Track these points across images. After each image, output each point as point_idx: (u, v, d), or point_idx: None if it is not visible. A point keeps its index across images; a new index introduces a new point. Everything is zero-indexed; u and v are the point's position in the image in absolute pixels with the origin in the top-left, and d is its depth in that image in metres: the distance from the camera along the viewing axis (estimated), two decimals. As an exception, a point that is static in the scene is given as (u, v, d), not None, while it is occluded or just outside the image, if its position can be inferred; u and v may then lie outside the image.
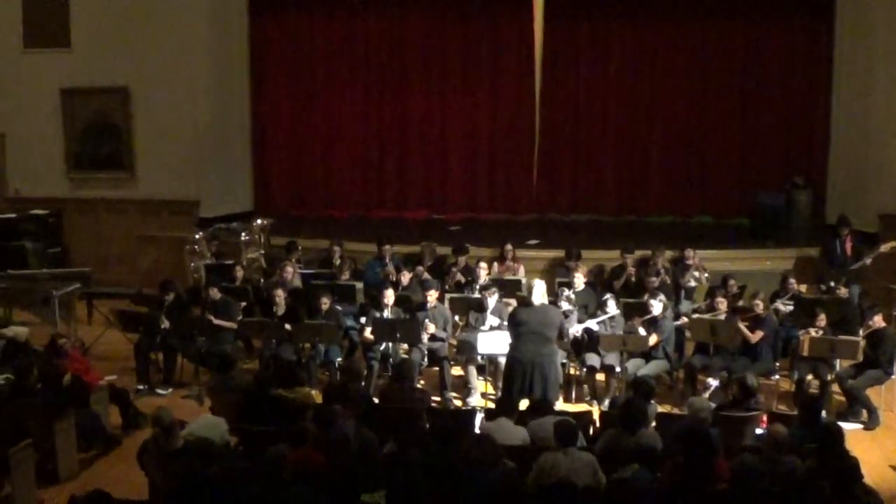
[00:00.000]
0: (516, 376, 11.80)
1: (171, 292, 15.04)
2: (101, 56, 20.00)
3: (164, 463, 9.14)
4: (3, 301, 16.02)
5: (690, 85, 21.02)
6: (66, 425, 11.23)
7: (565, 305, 13.90)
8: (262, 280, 16.99)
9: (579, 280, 15.17)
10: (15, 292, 16.01)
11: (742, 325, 13.28)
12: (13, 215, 20.14)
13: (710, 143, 21.10)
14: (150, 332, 14.57)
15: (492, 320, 13.83)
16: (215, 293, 14.99)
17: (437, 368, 13.88)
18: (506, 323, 12.60)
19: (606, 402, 12.97)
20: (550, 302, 13.66)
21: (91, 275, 17.86)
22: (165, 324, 14.55)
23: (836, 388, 13.02)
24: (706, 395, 12.47)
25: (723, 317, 13.56)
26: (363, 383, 12.74)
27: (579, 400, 13.67)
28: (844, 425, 10.42)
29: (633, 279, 16.03)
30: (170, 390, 14.31)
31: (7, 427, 10.47)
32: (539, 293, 12.00)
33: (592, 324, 13.75)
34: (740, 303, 14.63)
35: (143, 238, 19.89)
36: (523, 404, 10.99)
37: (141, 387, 14.24)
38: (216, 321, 14.45)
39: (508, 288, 15.30)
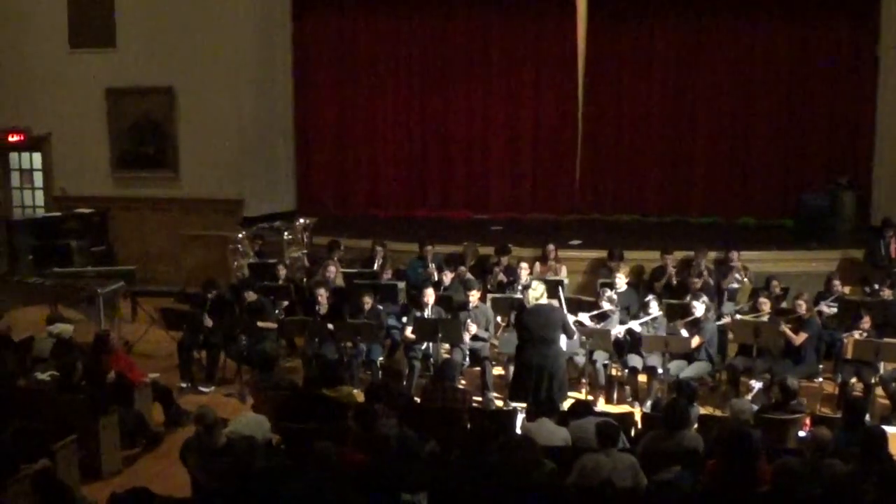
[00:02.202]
0: (523, 380, 11.86)
1: (214, 291, 15.12)
2: (146, 56, 20.15)
3: (207, 460, 9.19)
4: (49, 299, 16.13)
5: (734, 85, 20.88)
6: (110, 422, 11.32)
7: (607, 306, 13.88)
8: (304, 279, 17.03)
9: (621, 281, 15.13)
10: (60, 290, 16.11)
11: (785, 327, 13.20)
12: (59, 214, 20.34)
13: (753, 143, 20.96)
14: (193, 331, 14.65)
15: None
16: (251, 295, 15.04)
17: (478, 368, 13.89)
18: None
19: (648, 403, 12.93)
20: (590, 302, 13.70)
21: (135, 273, 18.00)
22: (208, 322, 14.63)
23: (880, 391, 12.90)
24: (749, 397, 12.40)
25: (766, 318, 13.49)
26: (405, 383, 12.77)
27: (621, 401, 13.63)
28: (888, 429, 10.31)
29: (675, 280, 15.96)
30: (212, 388, 14.39)
31: (52, 423, 10.55)
32: (536, 294, 12.02)
33: (635, 325, 13.71)
34: (784, 304, 14.55)
35: (186, 237, 19.98)
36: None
37: (184, 384, 14.32)
38: (260, 324, 14.49)
39: (551, 288, 15.27)
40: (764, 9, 20.49)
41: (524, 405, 11.74)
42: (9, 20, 20.80)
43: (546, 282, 14.06)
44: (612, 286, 14.78)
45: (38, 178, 21.87)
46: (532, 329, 11.89)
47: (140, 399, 12.24)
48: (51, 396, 11.56)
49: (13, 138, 21.33)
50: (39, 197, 21.95)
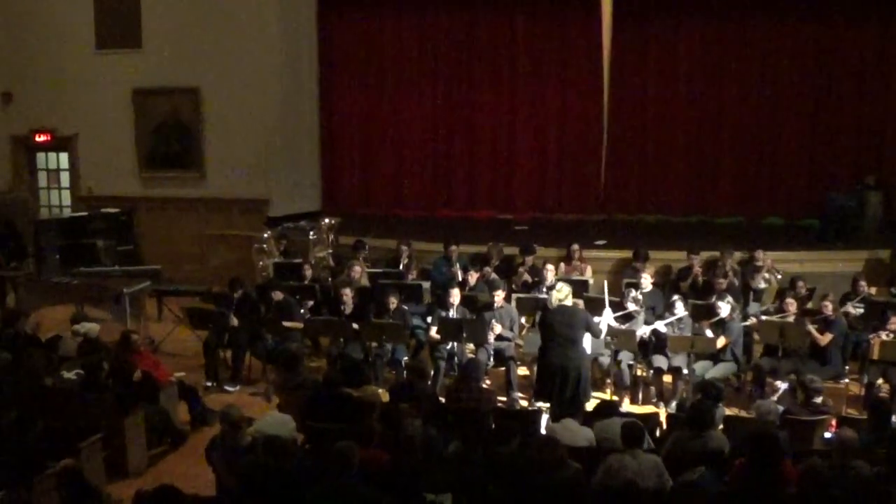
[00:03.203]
0: (546, 380, 11.85)
1: (240, 290, 15.16)
2: (172, 57, 20.22)
3: (232, 459, 9.21)
4: (76, 298, 16.20)
5: (760, 84, 20.82)
6: (136, 421, 11.37)
7: (632, 306, 13.85)
8: (329, 279, 17.06)
9: (647, 281, 15.09)
10: (87, 290, 16.18)
11: (811, 328, 13.15)
12: (86, 214, 20.42)
13: (779, 143, 20.89)
14: (218, 330, 14.70)
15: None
16: (277, 295, 15.08)
17: (503, 368, 13.89)
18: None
19: (673, 404, 12.93)
20: (615, 303, 13.68)
21: (161, 272, 18.07)
22: (234, 321, 14.67)
23: (906, 392, 12.85)
24: (774, 398, 12.35)
25: (792, 319, 13.44)
26: (429, 383, 12.76)
27: (646, 402, 13.61)
28: (915, 430, 10.29)
29: (701, 280, 15.91)
30: (238, 387, 14.44)
31: (78, 422, 10.60)
32: (561, 295, 12.01)
33: (660, 325, 13.67)
34: (809, 305, 14.49)
35: (212, 236, 20.07)
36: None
37: (209, 384, 14.38)
38: (286, 323, 14.52)
39: (575, 288, 15.25)
40: (789, 9, 20.42)
41: (548, 405, 11.75)
42: (36, 22, 20.92)
43: (570, 282, 14.06)
44: (637, 286, 14.75)
45: (65, 178, 21.99)
46: (556, 330, 11.87)
47: (166, 398, 12.28)
48: (77, 395, 11.62)
49: (40, 138, 21.47)
50: (66, 197, 22.07)
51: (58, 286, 16.66)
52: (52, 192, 22.35)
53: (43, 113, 21.20)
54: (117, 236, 20.02)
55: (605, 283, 14.81)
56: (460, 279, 15.71)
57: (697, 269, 16.09)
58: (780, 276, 15.92)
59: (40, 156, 22.13)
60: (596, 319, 12.63)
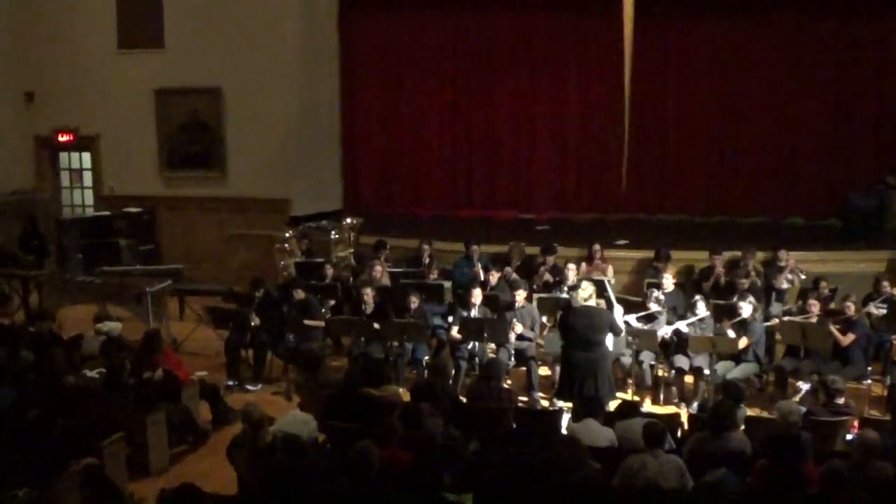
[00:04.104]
0: (569, 380, 11.87)
1: (262, 290, 15.19)
2: (193, 57, 20.28)
3: (253, 458, 9.24)
4: (98, 297, 16.26)
5: (781, 83, 20.73)
6: (158, 420, 11.40)
7: (654, 307, 13.82)
8: (351, 279, 17.07)
9: (668, 281, 15.04)
10: (109, 288, 16.22)
11: (833, 328, 13.10)
12: (108, 213, 20.52)
13: (801, 142, 20.81)
14: (240, 329, 14.73)
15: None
16: (299, 294, 15.10)
17: (524, 368, 13.88)
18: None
19: (695, 404, 12.89)
20: (636, 303, 13.65)
21: (183, 272, 18.13)
22: (255, 321, 14.70)
23: (929, 393, 12.79)
24: (796, 398, 12.30)
25: (814, 319, 13.39)
26: (450, 382, 12.76)
27: (667, 402, 13.57)
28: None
29: (723, 280, 15.87)
30: (259, 386, 14.46)
31: (100, 420, 10.64)
32: (585, 294, 12.00)
33: (682, 325, 13.64)
34: (832, 305, 14.44)
35: (233, 236, 20.11)
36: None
37: (231, 383, 14.40)
38: (307, 322, 14.54)
39: (596, 288, 15.23)
40: (811, 7, 20.33)
41: (570, 405, 11.74)
42: (59, 22, 21.02)
43: (592, 282, 14.03)
44: (659, 286, 14.72)
45: (88, 178, 22.09)
46: (578, 331, 11.88)
47: (187, 397, 12.30)
48: (99, 394, 11.67)
49: (63, 138, 21.56)
50: (89, 196, 22.17)
51: (80, 285, 16.72)
52: (75, 192, 22.46)
53: (65, 113, 21.29)
54: (139, 236, 20.11)
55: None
56: (482, 279, 15.70)
57: (720, 270, 16.04)
58: (803, 277, 15.86)
59: (63, 155, 22.23)
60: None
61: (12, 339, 13.01)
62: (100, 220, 20.30)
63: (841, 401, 10.65)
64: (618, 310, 13.13)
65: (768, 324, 13.89)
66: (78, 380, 12.23)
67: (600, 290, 14.25)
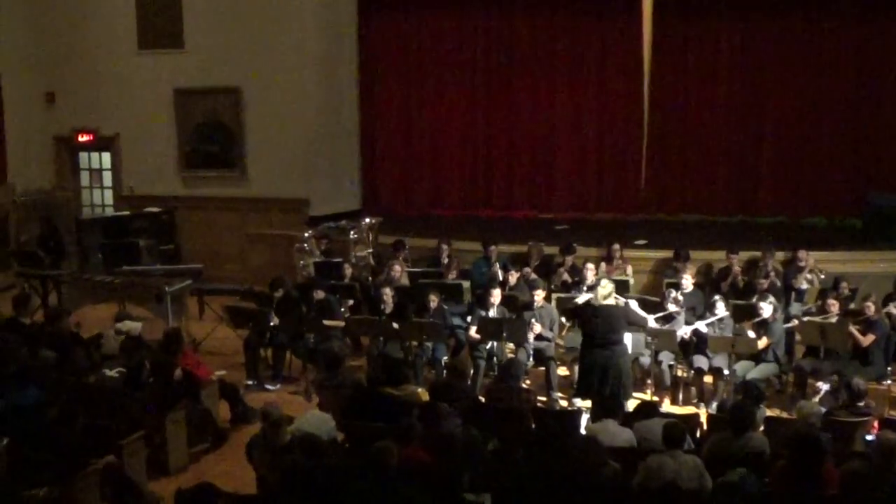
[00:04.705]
0: (587, 379, 11.87)
1: (281, 289, 15.22)
2: (213, 57, 20.32)
3: (272, 458, 9.26)
4: (118, 297, 16.31)
5: (801, 83, 20.63)
6: (177, 419, 11.43)
7: (672, 307, 13.79)
8: (370, 278, 17.09)
9: (687, 281, 15.01)
10: (129, 288, 16.27)
11: (853, 329, 13.05)
12: (128, 213, 20.58)
13: (821, 142, 20.71)
14: (259, 329, 14.76)
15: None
16: (319, 293, 15.13)
17: (543, 368, 13.86)
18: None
19: (714, 404, 12.85)
20: (655, 303, 13.63)
21: (202, 271, 18.16)
22: (275, 320, 14.73)
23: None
24: (816, 399, 12.28)
25: (834, 320, 13.34)
26: (469, 382, 12.76)
27: (687, 402, 13.55)
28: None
29: (741, 280, 15.81)
30: (278, 386, 14.49)
31: (120, 419, 10.67)
32: (605, 292, 11.99)
33: (701, 325, 13.61)
34: (852, 305, 14.38)
35: (253, 236, 20.17)
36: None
37: (250, 382, 14.43)
38: (326, 322, 14.56)
39: (616, 288, 15.19)
40: (832, 5, 20.25)
41: (588, 405, 11.74)
42: (79, 23, 21.08)
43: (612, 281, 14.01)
44: (678, 286, 14.69)
45: (107, 178, 22.14)
46: (598, 329, 11.87)
47: (207, 396, 12.33)
48: (119, 393, 11.70)
49: (83, 138, 21.63)
50: (108, 196, 22.22)
51: (100, 285, 16.76)
52: (95, 192, 22.50)
53: (85, 113, 21.36)
54: (159, 235, 20.13)
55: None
56: (500, 279, 15.69)
57: (737, 269, 15.99)
58: (822, 277, 15.80)
59: (83, 155, 22.29)
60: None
61: (33, 339, 13.06)
62: (119, 219, 20.36)
63: (862, 402, 10.61)
64: (633, 303, 13.08)
65: (788, 325, 13.85)
66: (98, 379, 12.28)
67: (620, 292, 14.29)
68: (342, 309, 15.29)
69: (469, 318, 14.59)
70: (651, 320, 13.30)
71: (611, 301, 12.16)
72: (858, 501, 8.02)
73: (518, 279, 15.92)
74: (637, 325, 12.50)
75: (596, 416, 10.59)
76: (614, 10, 21.23)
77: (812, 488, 8.13)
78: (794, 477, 8.21)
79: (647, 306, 13.97)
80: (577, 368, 13.40)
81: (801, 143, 20.79)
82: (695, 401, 13.50)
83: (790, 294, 15.58)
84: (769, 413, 11.43)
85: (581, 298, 13.21)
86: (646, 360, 13.62)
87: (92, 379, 12.33)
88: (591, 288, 14.24)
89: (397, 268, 16.16)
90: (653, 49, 20.83)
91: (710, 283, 16.30)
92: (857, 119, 20.48)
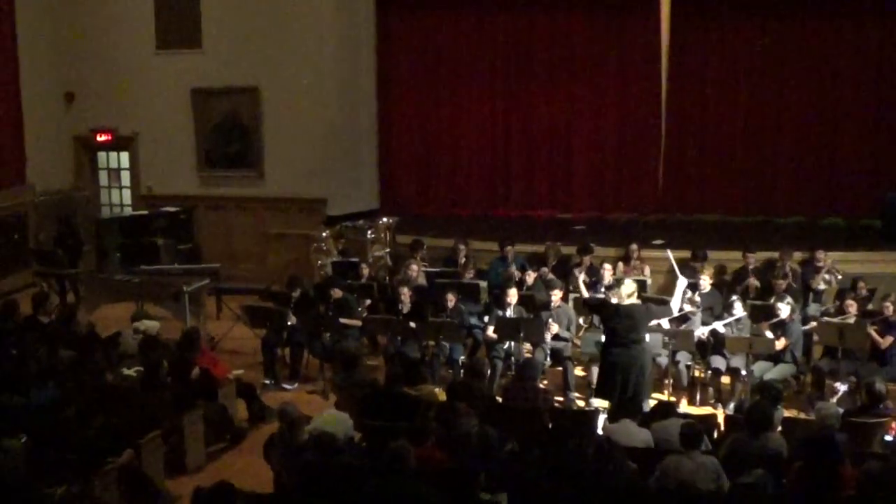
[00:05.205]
0: (610, 379, 11.82)
1: (298, 289, 15.25)
2: (231, 57, 20.37)
3: (289, 457, 9.28)
4: (136, 296, 16.35)
5: (820, 82, 20.53)
6: (195, 418, 11.47)
7: (688, 307, 13.77)
8: (387, 278, 17.11)
9: (705, 281, 14.97)
10: (147, 287, 16.31)
11: (872, 329, 13.00)
12: (146, 212, 20.62)
13: (840, 142, 20.60)
14: (277, 328, 14.78)
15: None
16: (337, 293, 15.15)
17: (560, 368, 13.86)
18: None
19: (732, 405, 12.83)
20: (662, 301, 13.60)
21: (220, 271, 18.21)
22: (292, 320, 14.76)
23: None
24: (833, 399, 12.24)
25: (852, 320, 13.30)
26: (486, 382, 12.76)
27: (704, 403, 13.53)
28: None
29: (753, 286, 15.71)
30: (296, 385, 14.52)
31: (138, 418, 10.71)
32: (628, 291, 11.96)
33: (718, 326, 13.59)
34: (870, 306, 14.33)
35: (270, 235, 20.20)
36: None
37: (267, 381, 14.46)
38: (343, 320, 14.59)
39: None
40: (850, 6, 20.17)
41: (605, 405, 11.72)
42: (97, 23, 21.13)
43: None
44: (695, 287, 14.65)
45: (126, 177, 22.18)
46: (620, 329, 11.82)
47: (224, 395, 12.37)
48: (137, 392, 11.74)
49: (101, 138, 21.69)
50: (127, 195, 22.27)
51: (119, 284, 16.84)
52: (113, 191, 22.57)
53: (104, 113, 21.42)
54: (177, 235, 20.18)
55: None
56: (516, 279, 15.67)
57: (752, 279, 15.88)
58: (839, 277, 15.75)
59: (101, 155, 22.34)
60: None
61: (51, 338, 13.13)
62: (138, 219, 20.41)
63: (881, 403, 10.58)
64: (681, 281, 12.98)
65: (806, 328, 13.79)
66: (116, 378, 12.32)
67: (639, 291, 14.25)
68: (360, 308, 15.31)
69: (486, 318, 14.60)
70: (675, 308, 13.12)
71: (633, 301, 12.13)
72: (876, 502, 8.00)
73: (535, 279, 15.90)
74: (662, 315, 12.41)
75: (614, 416, 10.58)
76: (633, 9, 21.17)
77: (828, 489, 8.11)
78: (810, 478, 8.19)
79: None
80: (594, 369, 13.39)
81: (819, 143, 20.69)
82: (712, 401, 13.49)
83: (808, 295, 15.52)
84: (787, 414, 11.40)
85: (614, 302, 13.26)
86: (663, 360, 13.60)
87: (110, 378, 12.37)
88: (609, 288, 14.25)
89: (414, 267, 16.17)
90: (671, 49, 20.77)
91: (727, 283, 16.19)
92: (876, 119, 20.36)
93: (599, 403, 12.49)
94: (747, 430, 9.38)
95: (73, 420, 10.05)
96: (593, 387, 13.40)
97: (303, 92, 20.10)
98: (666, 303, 13.10)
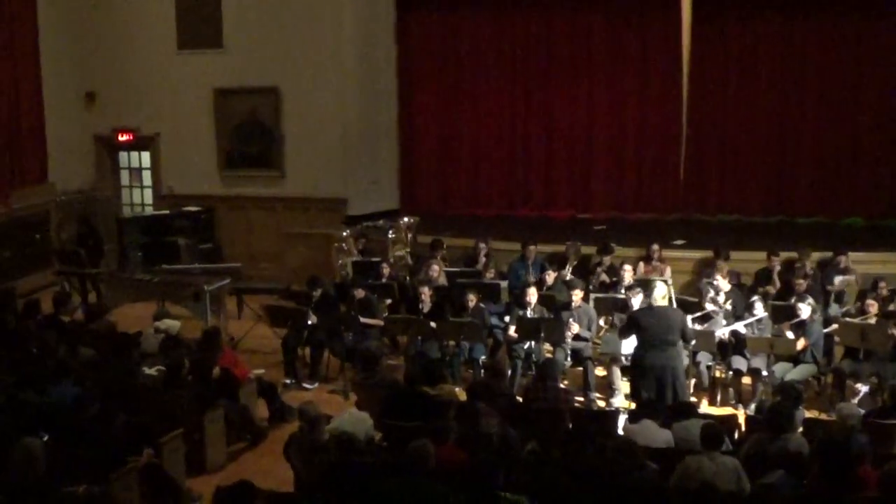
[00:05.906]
0: (645, 383, 11.74)
1: (319, 288, 15.27)
2: (252, 57, 20.41)
3: (310, 456, 9.29)
4: (157, 295, 16.42)
5: (840, 83, 20.46)
6: (216, 417, 11.50)
7: (710, 307, 13.74)
8: (408, 278, 17.12)
9: (725, 282, 14.93)
10: (168, 287, 16.37)
11: (893, 330, 12.95)
12: (167, 212, 20.69)
13: (860, 142, 20.52)
14: (297, 328, 14.82)
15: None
16: (359, 293, 15.18)
17: (580, 368, 13.85)
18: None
19: (752, 406, 12.78)
20: (692, 303, 13.57)
21: (241, 270, 18.25)
22: (313, 319, 14.78)
23: None
24: (854, 400, 12.20)
25: (873, 320, 13.26)
26: (507, 382, 12.75)
27: (725, 403, 13.49)
28: None
29: (778, 284, 15.67)
30: (316, 385, 14.54)
31: (159, 417, 10.74)
32: (659, 295, 11.91)
33: (739, 326, 13.56)
34: (891, 306, 14.27)
35: (291, 235, 20.21)
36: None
37: (288, 381, 14.50)
38: (365, 320, 14.61)
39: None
40: (871, 6, 20.09)
41: (626, 406, 11.69)
42: (119, 23, 21.22)
43: (649, 283, 13.96)
44: (716, 287, 14.62)
45: (147, 177, 22.26)
46: (653, 332, 11.73)
47: (245, 395, 12.39)
48: (158, 391, 11.78)
49: (123, 138, 21.76)
50: (148, 195, 22.35)
51: (140, 283, 16.90)
52: (135, 191, 22.65)
53: (125, 113, 21.51)
54: (198, 235, 20.27)
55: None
56: (536, 280, 15.66)
57: (776, 279, 15.84)
58: (853, 277, 15.67)
59: (123, 155, 22.44)
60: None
61: (72, 336, 13.18)
62: (159, 218, 20.50)
63: (902, 405, 10.55)
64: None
65: (827, 331, 13.73)
66: (137, 377, 12.35)
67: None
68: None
69: (507, 318, 14.60)
70: (688, 321, 13.04)
71: (664, 303, 12.09)
72: (898, 503, 7.98)
73: (556, 279, 15.89)
74: (686, 338, 12.32)
75: (634, 416, 10.56)
76: (654, 9, 21.14)
77: (847, 491, 8.08)
78: (826, 479, 8.17)
79: (685, 306, 13.93)
80: (615, 370, 13.39)
81: (840, 144, 20.61)
82: (733, 402, 13.45)
83: (828, 295, 15.47)
84: (808, 414, 11.38)
85: (635, 302, 13.23)
86: (684, 360, 13.55)
87: (131, 377, 12.41)
88: (629, 288, 14.24)
89: (435, 267, 16.17)
90: (692, 49, 20.73)
91: (748, 284, 16.13)
92: (897, 119, 20.33)
93: (620, 404, 12.48)
94: (768, 430, 9.35)
95: (94, 419, 10.08)
96: (613, 387, 13.43)
97: (323, 92, 20.14)
98: (698, 306, 13.09)
